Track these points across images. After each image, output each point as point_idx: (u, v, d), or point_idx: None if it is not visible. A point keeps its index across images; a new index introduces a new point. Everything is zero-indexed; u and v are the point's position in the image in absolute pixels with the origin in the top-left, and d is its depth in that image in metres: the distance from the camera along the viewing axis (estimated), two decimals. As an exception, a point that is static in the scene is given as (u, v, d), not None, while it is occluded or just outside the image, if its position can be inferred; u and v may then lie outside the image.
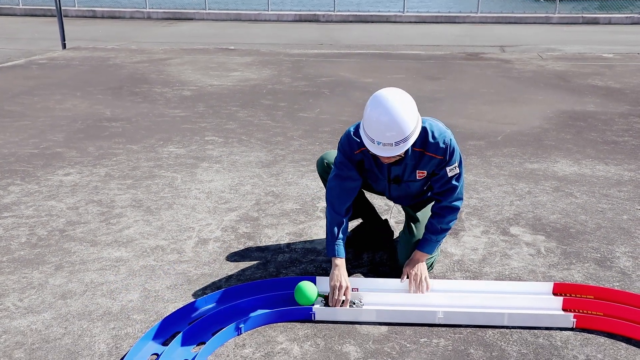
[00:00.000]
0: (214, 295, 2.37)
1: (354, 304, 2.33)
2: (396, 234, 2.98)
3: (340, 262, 2.42)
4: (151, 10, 14.82)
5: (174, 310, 2.29)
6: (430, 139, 2.33)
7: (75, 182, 3.77)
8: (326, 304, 2.32)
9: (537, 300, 2.33)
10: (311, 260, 2.77)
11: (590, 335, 2.18)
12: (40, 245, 2.91)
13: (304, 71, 7.63)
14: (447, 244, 2.92)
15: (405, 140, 2.19)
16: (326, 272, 2.65)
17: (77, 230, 3.08)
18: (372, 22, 14.31)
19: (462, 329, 2.23)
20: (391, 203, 3.35)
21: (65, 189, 3.66)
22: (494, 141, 4.67)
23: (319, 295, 2.33)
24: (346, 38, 11.42)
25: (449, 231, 2.55)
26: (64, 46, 9.60)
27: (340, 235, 2.46)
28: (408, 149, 2.31)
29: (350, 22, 14.31)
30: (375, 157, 2.43)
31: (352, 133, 2.42)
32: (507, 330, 2.22)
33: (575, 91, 6.48)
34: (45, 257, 2.79)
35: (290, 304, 2.33)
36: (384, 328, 2.24)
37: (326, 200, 2.51)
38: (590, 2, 16.24)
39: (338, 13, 14.51)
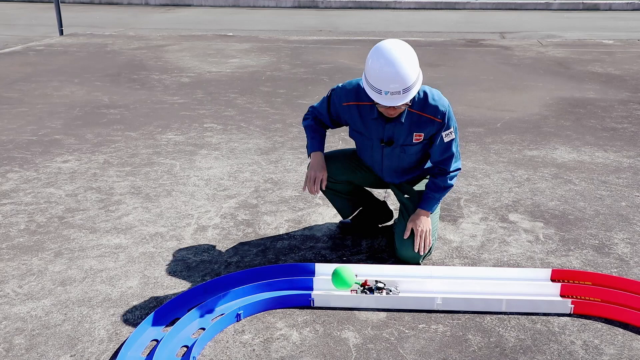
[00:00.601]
0: (213, 281, 2.37)
1: (390, 291, 2.31)
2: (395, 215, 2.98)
3: (315, 154, 2.60)
4: (149, -4, 14.72)
5: (173, 297, 2.29)
6: (431, 101, 2.39)
7: (73, 169, 3.77)
8: (363, 291, 2.32)
9: (535, 287, 2.34)
10: (310, 247, 2.77)
11: (587, 321, 2.20)
12: (40, 232, 2.91)
13: (303, 58, 7.59)
14: (446, 230, 2.93)
15: (410, 88, 2.23)
16: (326, 259, 2.66)
17: (76, 217, 3.08)
18: (372, 8, 14.22)
19: (461, 315, 2.24)
20: (384, 193, 3.35)
21: (64, 176, 3.65)
22: (493, 128, 4.67)
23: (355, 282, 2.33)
24: (345, 24, 11.35)
25: (450, 190, 2.60)
26: (61, 32, 9.54)
27: (317, 137, 2.63)
28: (412, 100, 2.35)
29: (350, 8, 14.22)
30: (365, 117, 2.46)
31: (351, 85, 2.49)
32: (505, 317, 2.23)
33: (575, 78, 6.46)
34: (45, 244, 2.79)
35: (289, 290, 2.33)
36: (383, 314, 2.25)
37: (305, 128, 2.69)
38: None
39: (337, -1, 14.42)
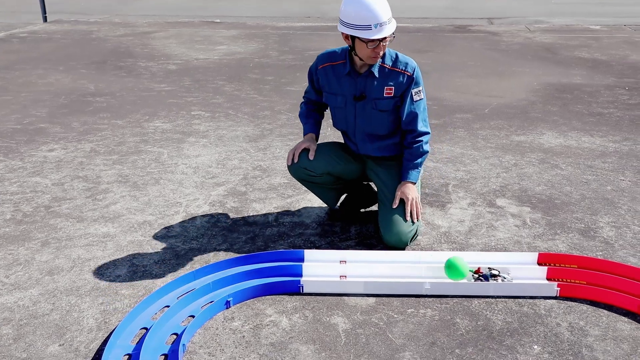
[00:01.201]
0: (202, 269, 2.37)
1: (505, 278, 2.30)
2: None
3: (307, 135, 2.75)
4: (134, -18, 14.49)
5: (162, 285, 2.29)
6: (401, 58, 2.58)
7: (59, 157, 3.73)
8: (478, 278, 2.31)
9: (522, 270, 2.37)
10: (299, 233, 2.78)
11: (573, 304, 2.22)
12: (26, 222, 2.88)
13: (291, 44, 7.55)
14: (434, 216, 2.94)
15: (392, 17, 2.44)
16: (315, 245, 2.66)
17: (62, 206, 3.06)
18: (360, -6, 14.10)
19: (449, 299, 2.26)
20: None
21: (50, 164, 3.62)
22: (481, 114, 4.68)
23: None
24: (333, 11, 11.27)
25: (428, 155, 2.69)
26: (45, 19, 9.39)
27: (310, 121, 2.78)
28: (383, 55, 2.53)
29: (337, -6, 14.11)
30: (339, 75, 2.59)
31: (326, 51, 2.68)
32: (493, 300, 2.25)
33: (562, 63, 6.48)
34: (31, 233, 2.77)
35: (278, 277, 2.34)
36: (372, 299, 2.26)
37: (300, 117, 2.87)
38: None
39: (325, -15, 14.29)
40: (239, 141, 4.05)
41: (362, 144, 2.72)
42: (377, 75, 2.56)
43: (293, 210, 3.02)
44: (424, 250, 2.62)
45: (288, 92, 5.30)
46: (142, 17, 10.04)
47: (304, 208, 3.04)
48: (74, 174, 3.47)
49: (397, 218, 2.57)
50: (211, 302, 2.20)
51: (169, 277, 2.40)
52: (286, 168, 3.55)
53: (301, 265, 2.37)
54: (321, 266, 2.39)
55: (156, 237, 2.74)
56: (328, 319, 2.15)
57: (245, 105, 4.89)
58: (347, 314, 2.17)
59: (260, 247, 2.65)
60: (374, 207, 2.99)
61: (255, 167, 3.60)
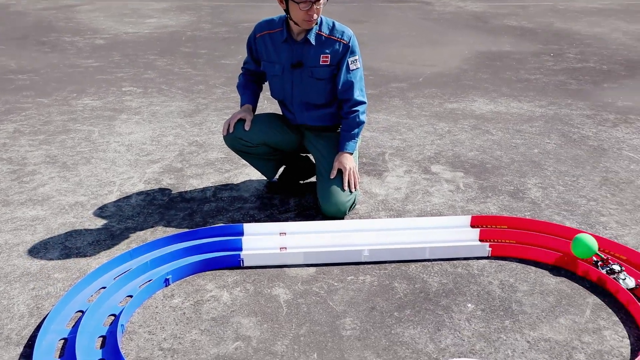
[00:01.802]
0: (139, 248, 2.32)
1: (619, 273, 2.14)
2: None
3: (244, 106, 2.73)
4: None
5: (98, 267, 2.23)
6: (338, 27, 2.60)
7: (-20, 140, 3.52)
8: (596, 263, 2.22)
9: (456, 233, 2.45)
10: (238, 208, 2.76)
11: (504, 262, 2.33)
12: (-54, 209, 2.72)
13: (224, 17, 7.37)
14: (372, 184, 2.99)
15: None
16: (254, 219, 2.66)
17: (-14, 190, 2.90)
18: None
19: (387, 265, 2.32)
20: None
21: (-30, 147, 3.41)
22: (416, 83, 4.76)
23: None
24: (267, -19, 11.07)
25: (364, 125, 2.72)
26: (-43, -8, 8.73)
27: (248, 92, 2.77)
28: (320, 24, 2.56)
29: (271, -36, 13.85)
30: (277, 43, 2.59)
31: (263, 20, 2.66)
32: (429, 263, 2.33)
33: (492, 32, 6.66)
34: (-47, 220, 2.62)
35: (218, 252, 2.32)
36: (312, 269, 2.29)
37: (237, 88, 2.84)
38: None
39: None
40: (173, 117, 3.95)
41: (300, 113, 2.71)
42: (314, 43, 2.56)
43: (231, 184, 2.99)
44: (362, 218, 2.66)
45: (223, 66, 5.19)
46: (65, -11, 9.52)
47: (243, 182, 3.02)
48: (-3, 157, 3.29)
49: (335, 188, 2.59)
50: (149, 280, 2.16)
51: (105, 258, 2.33)
52: (223, 142, 3.51)
53: (241, 239, 2.36)
54: (261, 239, 2.39)
55: (89, 218, 2.65)
56: (269, 290, 2.16)
57: (178, 80, 4.76)
58: (288, 285, 2.19)
59: (199, 224, 2.61)
60: (313, 179, 3.00)
61: (191, 142, 3.53)
